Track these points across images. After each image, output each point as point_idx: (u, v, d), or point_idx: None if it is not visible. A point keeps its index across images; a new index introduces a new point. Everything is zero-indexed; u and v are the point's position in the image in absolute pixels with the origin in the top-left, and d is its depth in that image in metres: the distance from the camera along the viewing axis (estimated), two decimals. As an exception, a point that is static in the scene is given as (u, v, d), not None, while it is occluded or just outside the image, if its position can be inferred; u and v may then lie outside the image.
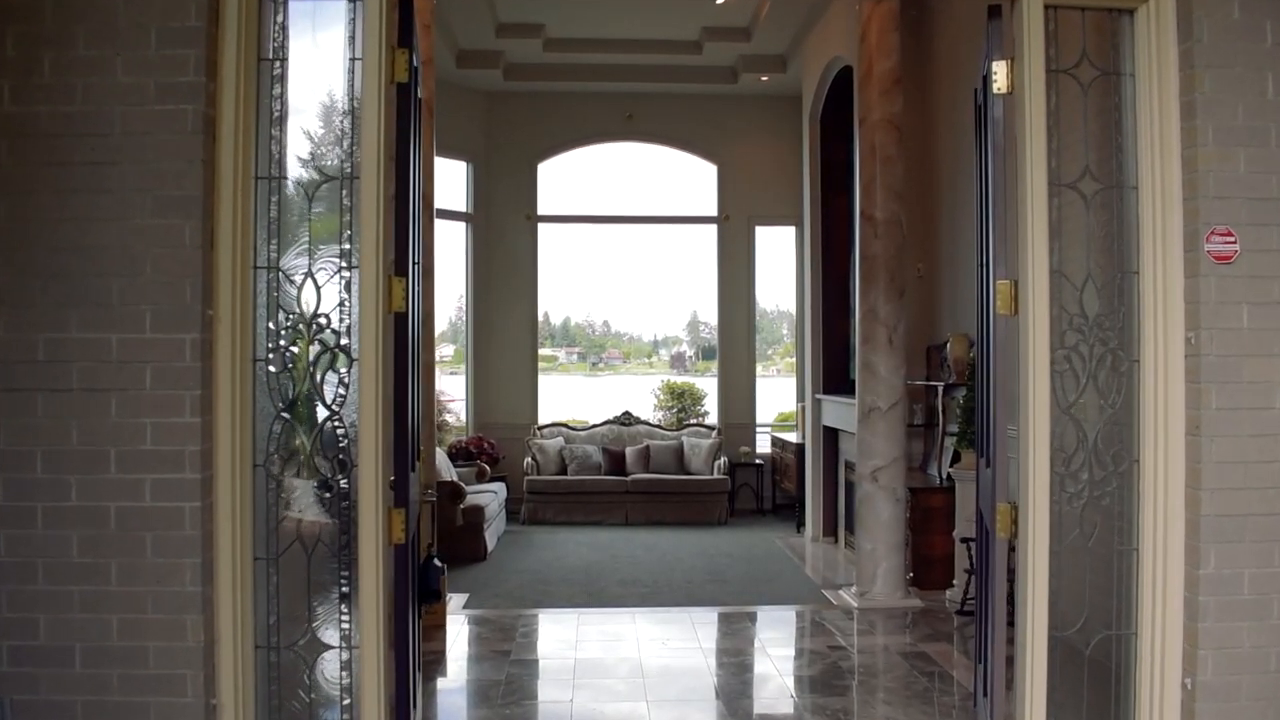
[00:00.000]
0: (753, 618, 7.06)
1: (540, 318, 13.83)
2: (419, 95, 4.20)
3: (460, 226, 12.74)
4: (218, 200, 3.28)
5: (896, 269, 7.12)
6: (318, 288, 3.41)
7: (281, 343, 3.40)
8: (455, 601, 7.24)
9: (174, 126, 3.22)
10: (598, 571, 8.86)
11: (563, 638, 6.51)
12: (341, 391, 3.40)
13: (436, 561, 4.33)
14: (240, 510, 3.30)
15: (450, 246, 12.68)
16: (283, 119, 3.42)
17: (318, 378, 3.40)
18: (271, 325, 3.40)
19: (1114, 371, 3.57)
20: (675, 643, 6.32)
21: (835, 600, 7.35)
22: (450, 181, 12.57)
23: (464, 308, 12.97)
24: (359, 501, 3.31)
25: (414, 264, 3.89)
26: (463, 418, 12.95)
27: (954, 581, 7.14)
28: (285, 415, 3.39)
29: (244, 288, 3.31)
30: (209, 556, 3.24)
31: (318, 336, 3.40)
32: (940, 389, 7.79)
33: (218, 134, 3.29)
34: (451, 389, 13.24)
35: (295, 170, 3.43)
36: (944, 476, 7.74)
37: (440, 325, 13.53)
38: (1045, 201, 3.45)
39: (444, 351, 13.89)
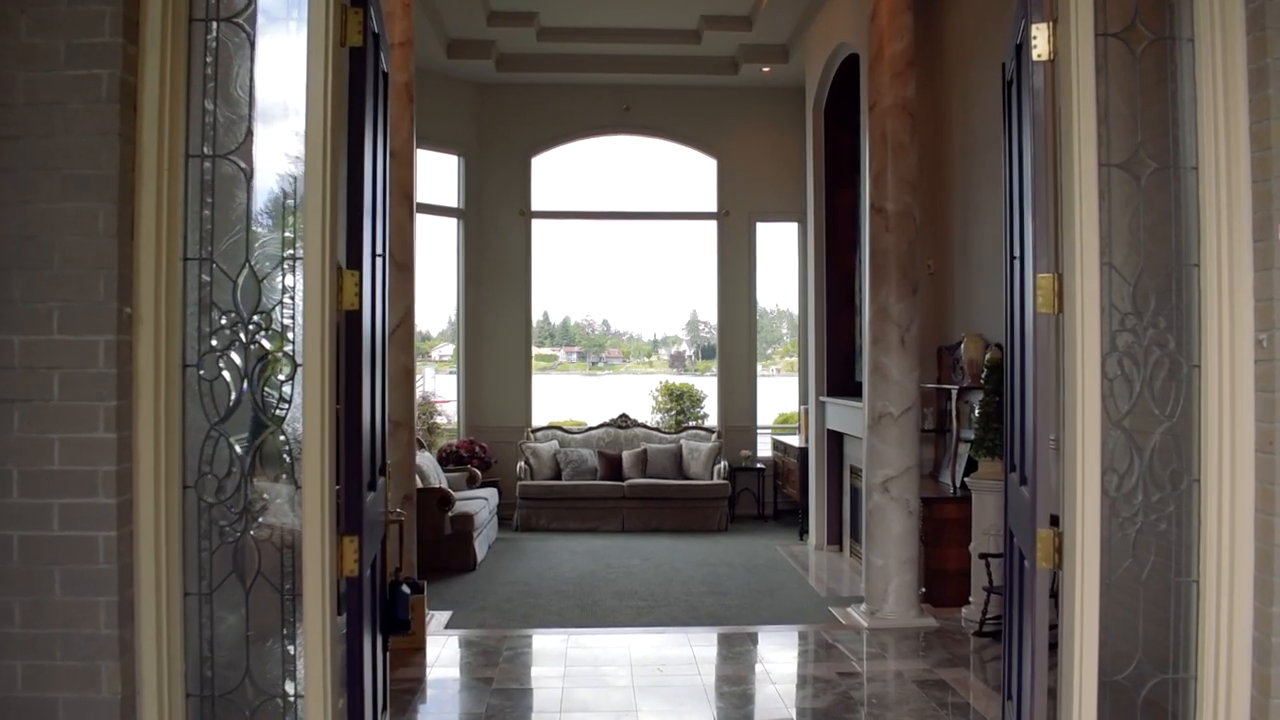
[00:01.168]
0: (755, 639, 6.60)
1: (540, 317, 13.43)
2: (385, 69, 3.76)
3: (451, 222, 12.31)
4: (139, 181, 2.83)
5: (909, 264, 6.66)
6: (258, 281, 2.96)
7: (215, 345, 2.95)
8: (438, 620, 6.78)
9: (86, 95, 2.77)
10: (592, 583, 8.44)
11: (551, 662, 6.05)
12: (285, 401, 2.95)
13: (405, 588, 3.88)
14: (166, 539, 2.85)
15: (441, 242, 12.26)
16: (218, 88, 2.97)
17: (257, 386, 2.95)
18: (205, 326, 2.95)
19: (1171, 378, 3.12)
20: (672, 668, 5.85)
21: (843, 619, 6.89)
22: (441, 176, 12.16)
23: (455, 306, 12.53)
24: (303, 528, 2.86)
25: (376, 256, 3.45)
26: (454, 420, 12.52)
27: (970, 599, 6.68)
28: (220, 429, 2.94)
29: (171, 282, 2.86)
30: (128, 594, 2.79)
31: (257, 338, 2.95)
32: (954, 393, 7.35)
33: (139, 104, 2.84)
34: (446, 390, 12.82)
35: (232, 147, 2.98)
36: (958, 485, 7.30)
37: (440, 325, 13.13)
38: (1095, 183, 3.00)
39: (443, 351, 13.49)
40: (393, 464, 6.18)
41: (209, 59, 2.96)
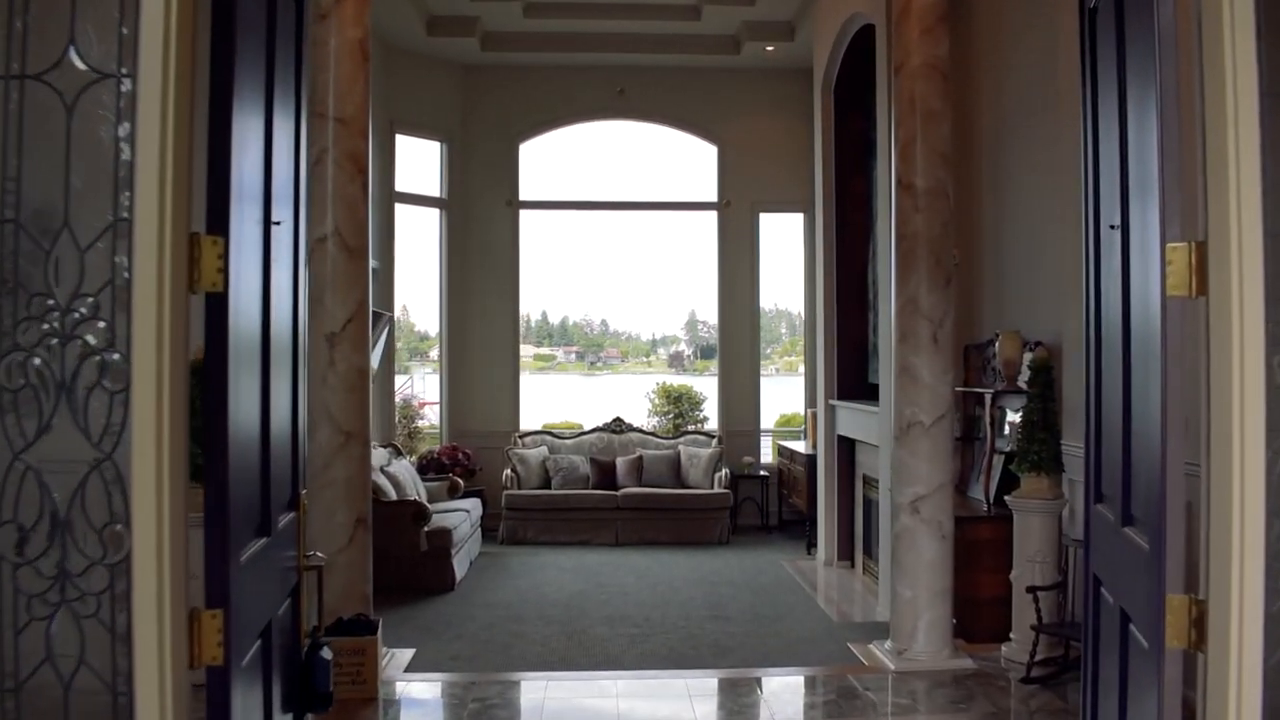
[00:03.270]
0: (764, 685, 5.72)
1: (539, 316, 12.75)
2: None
3: (434, 213, 11.49)
4: (-99, 107, 1.98)
5: (942, 250, 5.78)
6: (81, 253, 2.10)
7: (20, 342, 2.09)
8: (397, 660, 5.88)
9: None
10: (581, 605, 7.66)
11: (526, 717, 5.18)
12: (118, 421, 2.10)
13: (325, 653, 3.03)
14: (-54, 616, 2.00)
15: (424, 235, 11.45)
16: (28, -18, 2.12)
17: (80, 399, 2.10)
18: (6, 316, 2.10)
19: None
20: (666, 729, 5.00)
21: (865, 658, 5.99)
22: (422, 164, 11.37)
23: (438, 302, 11.69)
24: (132, 602, 2.01)
25: (273, 223, 2.60)
26: (437, 424, 11.70)
27: (1011, 635, 5.82)
28: (27, 460, 2.09)
29: (-48, 252, 2.01)
30: (-119, 698, 1.95)
31: (79, 332, 2.10)
32: (987, 397, 6.49)
33: (-98, -2, 1.99)
34: (436, 392, 12.02)
35: (48, 65, 2.13)
36: (991, 501, 6.45)
37: (437, 323, 12.33)
38: (1256, 117, 2.14)
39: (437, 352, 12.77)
40: (342, 480, 5.35)
41: (16, -58, 2.11)
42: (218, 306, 2.13)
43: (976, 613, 6.20)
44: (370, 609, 5.47)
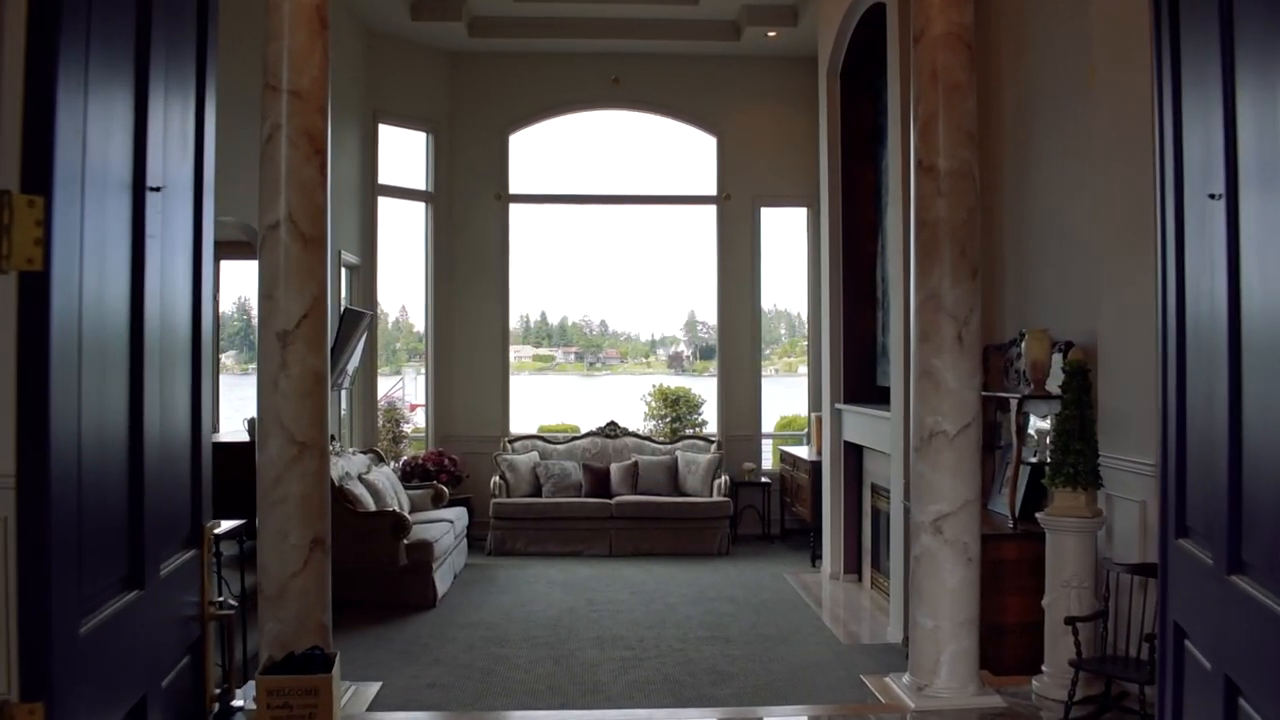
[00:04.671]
0: (769, 726, 5.18)
1: (538, 316, 12.28)
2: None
3: (419, 207, 10.95)
4: None
5: (968, 238, 5.19)
6: None
7: None
8: (360, 697, 5.28)
9: None
10: (570, 625, 7.14)
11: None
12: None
13: (242, 717, 2.48)
14: None
15: (413, 230, 10.91)
16: None
17: None
18: None
19: None
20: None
21: (881, 694, 5.39)
22: (408, 155, 10.85)
23: (423, 300, 11.13)
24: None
25: (150, 189, 2.03)
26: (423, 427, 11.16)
27: (1043, 668, 5.23)
28: None
29: None
30: None
31: None
32: (1013, 403, 5.92)
33: None
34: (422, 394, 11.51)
35: None
36: (1016, 517, 5.88)
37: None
38: None
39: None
40: (296, 497, 4.78)
41: None
42: (35, 290, 1.56)
43: (1003, 641, 5.63)
44: (328, 640, 4.89)
